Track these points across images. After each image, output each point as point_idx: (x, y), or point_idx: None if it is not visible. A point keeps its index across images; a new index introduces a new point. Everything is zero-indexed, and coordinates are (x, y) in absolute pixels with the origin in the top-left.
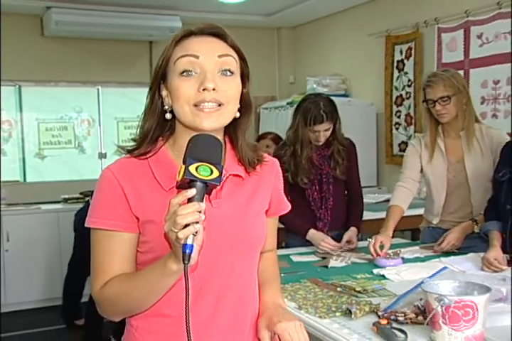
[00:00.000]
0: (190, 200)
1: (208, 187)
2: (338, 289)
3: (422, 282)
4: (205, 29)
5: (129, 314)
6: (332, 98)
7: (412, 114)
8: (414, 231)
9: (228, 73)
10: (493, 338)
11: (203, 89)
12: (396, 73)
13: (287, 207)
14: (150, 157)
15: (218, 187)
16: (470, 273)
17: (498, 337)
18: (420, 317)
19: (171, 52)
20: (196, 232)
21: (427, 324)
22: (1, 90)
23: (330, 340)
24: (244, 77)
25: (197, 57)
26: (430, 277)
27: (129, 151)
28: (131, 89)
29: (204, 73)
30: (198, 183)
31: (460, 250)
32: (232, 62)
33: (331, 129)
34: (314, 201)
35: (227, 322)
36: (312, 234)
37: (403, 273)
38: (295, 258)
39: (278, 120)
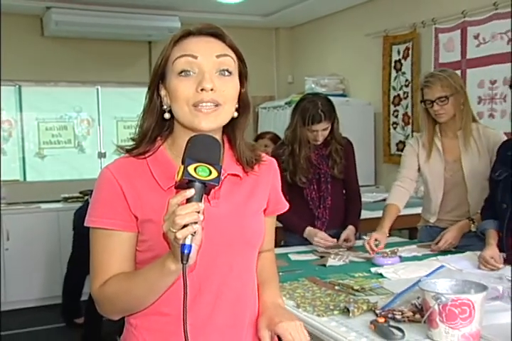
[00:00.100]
0: (188, 200)
1: (206, 188)
2: (336, 287)
3: (419, 280)
4: (203, 29)
5: (129, 312)
6: (330, 98)
7: (409, 114)
8: (411, 230)
9: (226, 73)
10: (489, 336)
11: (201, 90)
12: (394, 73)
13: (285, 206)
14: (148, 156)
15: (217, 188)
16: (467, 271)
17: (494, 335)
18: (417, 316)
19: (169, 52)
20: (195, 232)
21: (424, 322)
22: (1, 90)
23: (328, 338)
24: (243, 77)
25: (195, 57)
26: (427, 275)
27: (127, 151)
28: (130, 88)
29: (202, 73)
30: (197, 184)
31: (457, 249)
32: (230, 62)
33: (329, 129)
34: (312, 200)
35: (225, 320)
36: (308, 230)
37: (400, 271)
38: (293, 257)
39: (276, 120)
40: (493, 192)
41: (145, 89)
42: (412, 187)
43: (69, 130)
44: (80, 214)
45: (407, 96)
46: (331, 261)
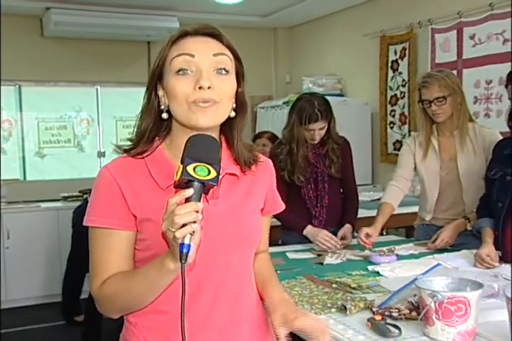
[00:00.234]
0: (187, 200)
1: (205, 187)
2: (334, 286)
3: (415, 278)
4: (200, 29)
5: (128, 311)
6: (327, 97)
7: (406, 113)
8: (408, 229)
9: (223, 72)
10: (485, 333)
11: (199, 88)
12: (390, 73)
13: (281, 206)
14: (146, 156)
15: (216, 187)
16: (463, 269)
17: (490, 332)
18: (414, 313)
19: (167, 52)
20: (193, 232)
21: (421, 319)
22: (1, 90)
23: None
24: (240, 77)
25: (192, 55)
26: (424, 273)
27: (125, 151)
28: (129, 88)
29: (200, 72)
30: (196, 183)
31: (453, 247)
32: (227, 62)
33: (325, 128)
34: (310, 199)
35: (224, 318)
36: (310, 229)
37: (397, 269)
38: (291, 256)
39: (274, 119)
40: (488, 190)
41: (144, 89)
42: (407, 187)
43: (68, 129)
44: (79, 213)
45: (404, 96)
46: (329, 260)
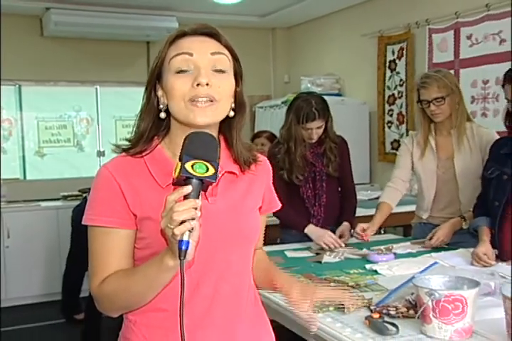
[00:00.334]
0: (186, 197)
1: (203, 184)
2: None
3: (413, 277)
4: (198, 29)
5: (128, 309)
6: (326, 97)
7: (404, 113)
8: (406, 228)
9: (221, 71)
10: (481, 331)
11: (197, 85)
12: (388, 73)
13: (278, 205)
14: (146, 155)
15: (214, 184)
16: (460, 268)
17: (486, 330)
18: (411, 311)
19: (165, 52)
20: (192, 229)
21: (418, 317)
22: (2, 89)
23: (323, 334)
24: (238, 77)
25: (191, 54)
26: (421, 272)
27: (124, 150)
28: (129, 88)
29: (198, 69)
30: (194, 180)
31: (450, 245)
32: (225, 61)
33: (323, 127)
34: (308, 198)
35: (222, 315)
36: (312, 228)
37: (395, 268)
38: (289, 254)
39: (273, 119)
40: (485, 189)
41: (143, 89)
42: (404, 188)
43: (68, 129)
44: (78, 212)
45: (402, 95)
46: (327, 258)
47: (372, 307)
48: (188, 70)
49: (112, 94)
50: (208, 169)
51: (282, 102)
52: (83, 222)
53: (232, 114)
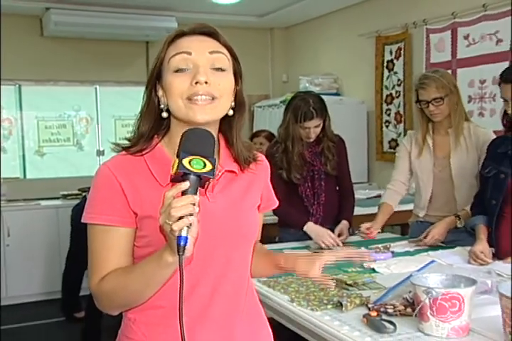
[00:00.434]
0: (184, 193)
1: (201, 180)
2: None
3: (410, 275)
4: (196, 29)
5: (127, 307)
6: (324, 97)
7: (401, 112)
8: (403, 226)
9: (220, 69)
10: (478, 329)
11: (196, 83)
12: (386, 73)
13: (275, 203)
14: (146, 154)
15: (212, 180)
16: (457, 266)
17: (483, 327)
18: (409, 309)
19: (164, 52)
20: (190, 224)
21: (416, 315)
22: (2, 89)
23: (321, 332)
24: (237, 76)
25: (189, 53)
26: (418, 270)
27: (124, 148)
28: (128, 88)
29: (197, 68)
30: (192, 176)
31: (446, 244)
32: (224, 59)
33: (321, 126)
34: (307, 197)
35: (221, 312)
36: (312, 226)
37: (393, 266)
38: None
39: (271, 118)
40: (482, 188)
41: (143, 88)
42: (404, 190)
43: (68, 128)
44: (78, 210)
45: (399, 95)
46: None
47: (370, 306)
48: (187, 69)
49: (112, 94)
50: (205, 165)
51: (281, 102)
52: (83, 220)
53: (231, 112)
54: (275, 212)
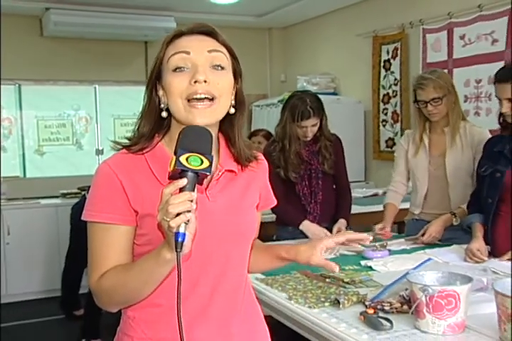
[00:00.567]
0: (182, 190)
1: (198, 177)
2: (327, 280)
3: (407, 273)
4: (195, 28)
5: (126, 304)
6: (321, 96)
7: (398, 112)
8: (400, 225)
9: (219, 68)
10: (474, 326)
11: (195, 82)
12: (383, 72)
13: (273, 201)
14: (146, 152)
15: (213, 179)
16: (453, 264)
17: (478, 324)
18: (405, 307)
19: (163, 52)
20: (188, 221)
21: (412, 313)
22: (2, 89)
23: (319, 329)
24: (237, 74)
25: (188, 53)
26: (415, 268)
27: (124, 147)
28: (127, 87)
29: (195, 67)
30: (189, 173)
31: (443, 242)
32: (223, 58)
33: (318, 125)
34: (304, 196)
35: (220, 310)
36: (308, 225)
37: (389, 264)
38: None
39: (269, 117)
40: (479, 187)
41: (142, 88)
42: (404, 189)
43: (67, 127)
44: (78, 209)
45: (396, 94)
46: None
47: (367, 303)
48: (186, 68)
49: (111, 93)
50: (202, 162)
51: (279, 101)
52: (83, 218)
53: (233, 110)
54: (273, 210)
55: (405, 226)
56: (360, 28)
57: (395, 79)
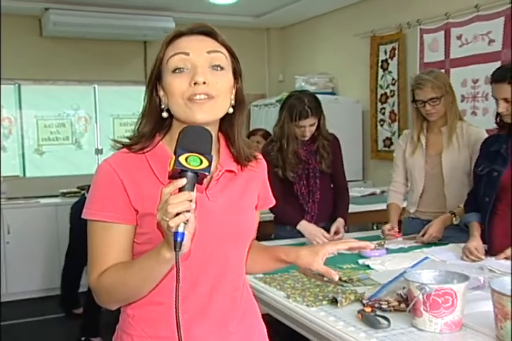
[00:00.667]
0: (181, 190)
1: (198, 177)
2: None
3: (404, 271)
4: (194, 29)
5: (126, 302)
6: (319, 96)
7: (396, 111)
8: (397, 224)
9: (218, 68)
10: (470, 324)
11: (194, 83)
12: (381, 72)
13: (272, 201)
14: (147, 152)
15: (209, 177)
16: (450, 262)
17: (475, 322)
18: (403, 305)
19: (163, 52)
20: (187, 220)
21: (409, 311)
22: (1, 88)
23: (317, 328)
24: (237, 74)
25: (187, 54)
26: (412, 267)
27: (125, 146)
28: (126, 87)
29: (195, 68)
30: (189, 173)
31: (440, 240)
32: (222, 58)
33: (315, 124)
34: (302, 195)
35: (219, 310)
36: (305, 225)
37: (387, 263)
38: None
39: (268, 117)
40: (476, 186)
41: (141, 88)
42: (405, 189)
43: (67, 127)
44: (77, 208)
45: (394, 94)
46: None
47: (364, 302)
48: (185, 69)
49: (110, 93)
50: (201, 162)
51: (277, 101)
52: (83, 216)
53: (231, 110)
54: (271, 209)
55: (402, 225)
56: (358, 28)
57: (393, 79)
